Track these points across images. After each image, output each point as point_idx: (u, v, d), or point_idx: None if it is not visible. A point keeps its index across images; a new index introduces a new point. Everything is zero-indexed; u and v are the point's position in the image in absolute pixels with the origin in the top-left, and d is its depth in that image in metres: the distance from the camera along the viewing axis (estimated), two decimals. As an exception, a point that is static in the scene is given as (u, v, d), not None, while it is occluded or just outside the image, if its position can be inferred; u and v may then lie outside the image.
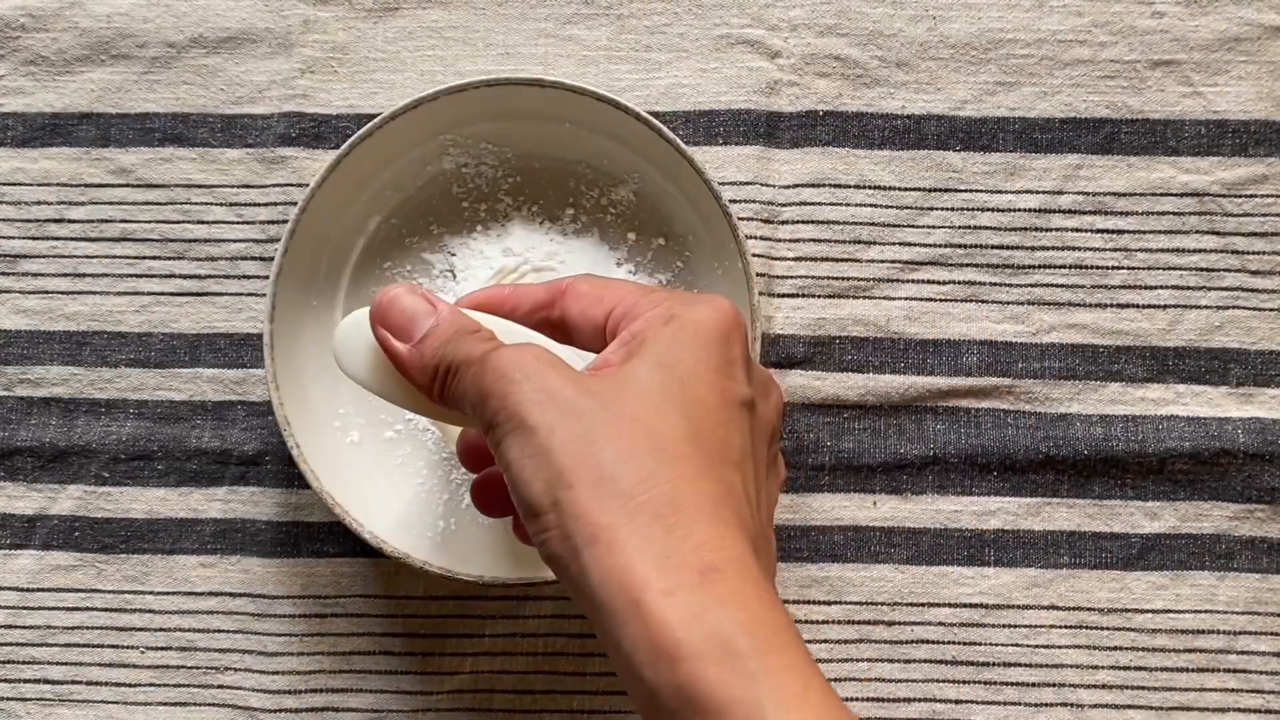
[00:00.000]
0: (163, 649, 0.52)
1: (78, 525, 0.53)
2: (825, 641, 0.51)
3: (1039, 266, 0.53)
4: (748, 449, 0.37)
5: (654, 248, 0.52)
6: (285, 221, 0.50)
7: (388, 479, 0.51)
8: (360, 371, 0.42)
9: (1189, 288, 0.52)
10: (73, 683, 0.52)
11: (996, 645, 0.51)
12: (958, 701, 0.51)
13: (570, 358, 0.39)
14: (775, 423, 0.39)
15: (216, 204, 0.54)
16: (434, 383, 0.38)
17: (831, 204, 0.53)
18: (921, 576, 0.52)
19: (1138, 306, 0.52)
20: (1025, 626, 0.51)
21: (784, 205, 0.53)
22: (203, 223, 0.54)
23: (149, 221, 0.54)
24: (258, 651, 0.52)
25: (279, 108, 0.54)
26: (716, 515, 0.34)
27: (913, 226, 0.53)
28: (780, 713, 0.31)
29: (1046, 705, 0.51)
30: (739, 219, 0.50)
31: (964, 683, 0.51)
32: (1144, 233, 0.53)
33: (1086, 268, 0.53)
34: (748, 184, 0.53)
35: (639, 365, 0.36)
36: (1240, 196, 0.53)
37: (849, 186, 0.53)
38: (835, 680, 0.51)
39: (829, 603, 0.52)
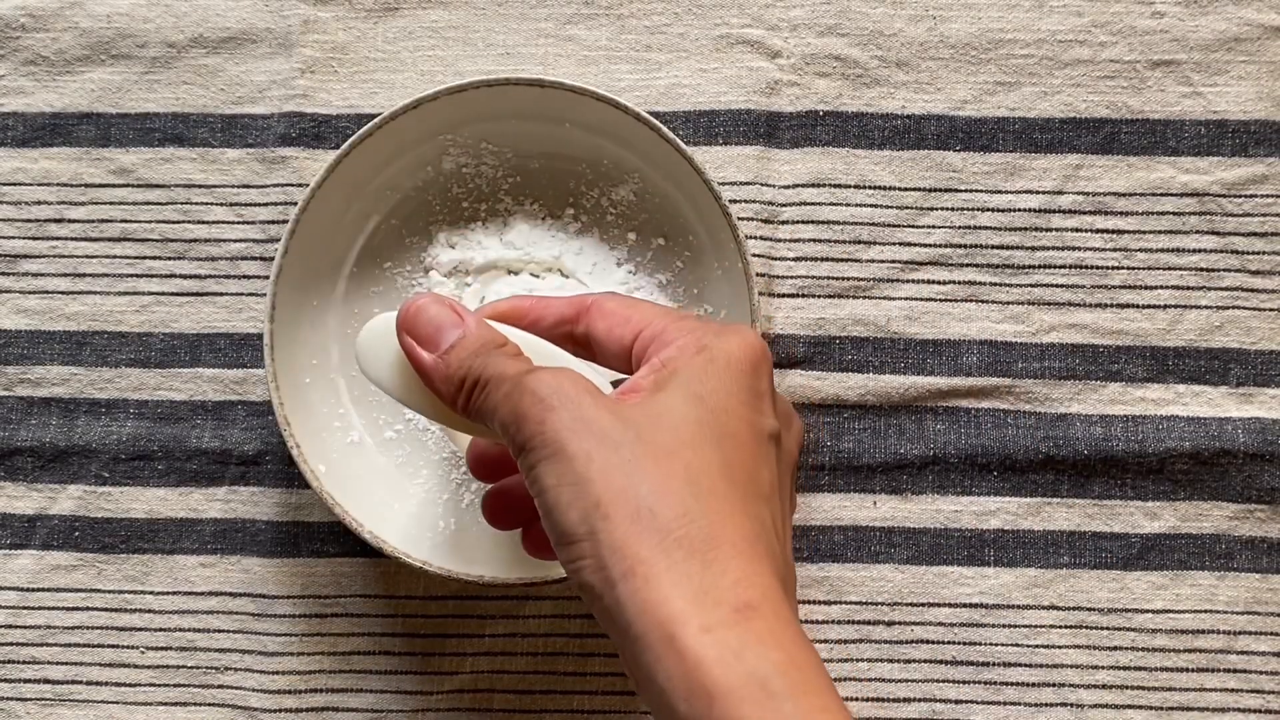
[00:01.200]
0: (163, 649, 0.52)
1: (78, 525, 0.53)
2: (825, 641, 0.51)
3: (1039, 266, 0.53)
4: (775, 483, 0.37)
5: (654, 248, 0.52)
6: (285, 221, 0.50)
7: (387, 479, 0.51)
8: (382, 376, 0.42)
9: (1189, 288, 0.52)
10: (73, 683, 0.52)
11: (996, 645, 0.51)
12: (958, 701, 0.51)
13: (589, 373, 0.39)
14: (796, 455, 0.40)
15: (217, 204, 0.54)
16: (459, 394, 0.38)
17: (831, 204, 0.53)
18: (921, 576, 0.52)
19: (1138, 306, 0.52)
20: (1025, 626, 0.51)
21: (784, 205, 0.53)
22: (203, 223, 0.54)
23: (149, 221, 0.54)
24: (258, 651, 0.52)
25: (279, 108, 0.54)
26: (751, 552, 0.34)
27: (913, 226, 0.53)
28: None
29: (1046, 705, 0.51)
30: (739, 219, 0.50)
31: (964, 683, 0.51)
32: (1144, 233, 0.53)
33: (1086, 268, 0.53)
34: (748, 184, 0.53)
35: (672, 396, 0.36)
36: (1240, 196, 0.53)
37: (849, 186, 0.53)
38: (835, 680, 0.51)
39: (829, 603, 0.52)
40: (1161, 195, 0.53)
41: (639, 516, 0.33)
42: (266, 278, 0.51)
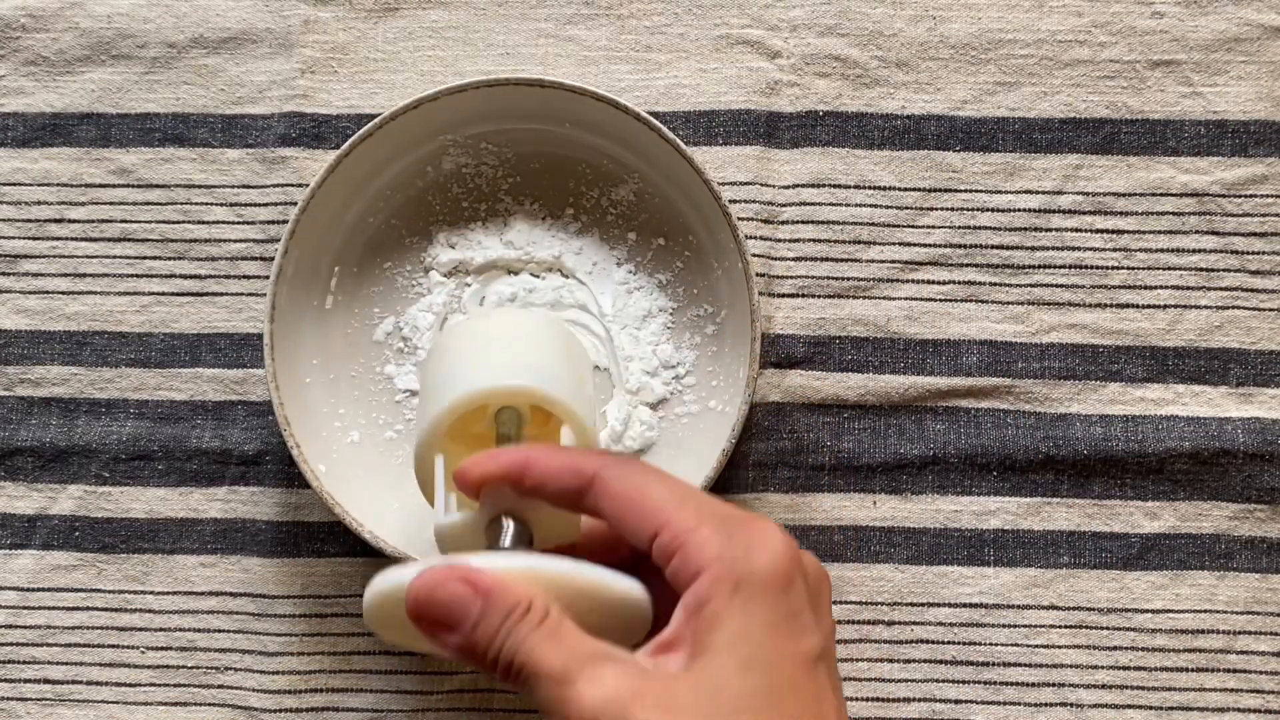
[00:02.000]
0: (163, 649, 0.52)
1: (78, 525, 0.53)
2: (825, 641, 0.51)
3: (1039, 266, 0.53)
4: (837, 706, 0.36)
5: (654, 248, 0.52)
6: (285, 221, 0.50)
7: (388, 479, 0.51)
8: (402, 640, 0.39)
9: (1189, 288, 0.52)
10: (73, 683, 0.52)
11: (996, 645, 0.51)
12: (958, 701, 0.51)
13: (618, 584, 0.37)
14: (834, 626, 0.39)
15: (217, 204, 0.54)
16: (495, 671, 0.36)
17: (831, 204, 0.53)
18: (921, 576, 0.52)
19: (1138, 306, 0.52)
20: (1025, 626, 0.51)
21: (784, 205, 0.53)
22: (203, 223, 0.54)
23: (149, 221, 0.54)
24: (258, 651, 0.52)
25: (279, 108, 0.54)
26: None
27: (913, 226, 0.53)
28: None
29: (1046, 705, 0.51)
30: (739, 219, 0.50)
31: (964, 683, 0.51)
32: (1144, 233, 0.53)
33: (1086, 268, 0.53)
34: (748, 184, 0.53)
35: (721, 664, 0.35)
36: (1240, 196, 0.53)
37: (849, 186, 0.53)
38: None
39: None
40: (1161, 195, 0.53)
41: None
42: (266, 278, 0.51)
